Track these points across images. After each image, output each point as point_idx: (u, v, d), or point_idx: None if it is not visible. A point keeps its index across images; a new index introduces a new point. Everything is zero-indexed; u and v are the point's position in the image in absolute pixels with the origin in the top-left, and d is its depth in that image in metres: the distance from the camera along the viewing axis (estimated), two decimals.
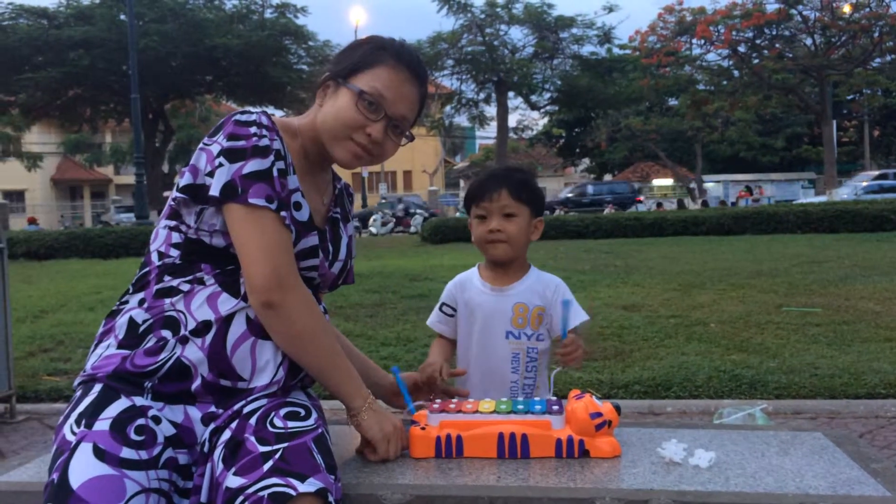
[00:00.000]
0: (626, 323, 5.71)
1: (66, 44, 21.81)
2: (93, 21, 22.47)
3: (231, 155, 1.37)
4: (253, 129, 1.40)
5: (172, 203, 1.45)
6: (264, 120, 1.43)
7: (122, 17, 21.76)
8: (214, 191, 1.36)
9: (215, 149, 1.39)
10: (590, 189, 34.70)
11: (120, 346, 1.39)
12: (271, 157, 1.39)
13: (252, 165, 1.37)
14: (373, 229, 24.84)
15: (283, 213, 1.39)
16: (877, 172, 26.57)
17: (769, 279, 7.93)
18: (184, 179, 1.42)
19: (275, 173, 1.39)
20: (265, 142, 1.40)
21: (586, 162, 47.44)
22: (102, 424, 1.29)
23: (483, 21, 24.73)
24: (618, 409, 1.54)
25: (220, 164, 1.37)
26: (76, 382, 1.42)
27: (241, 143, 1.38)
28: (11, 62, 22.31)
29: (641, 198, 32.27)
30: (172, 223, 1.46)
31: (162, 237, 1.46)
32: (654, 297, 6.96)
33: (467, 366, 1.93)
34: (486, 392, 1.81)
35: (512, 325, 1.89)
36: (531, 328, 1.89)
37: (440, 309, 2.03)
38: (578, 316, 1.92)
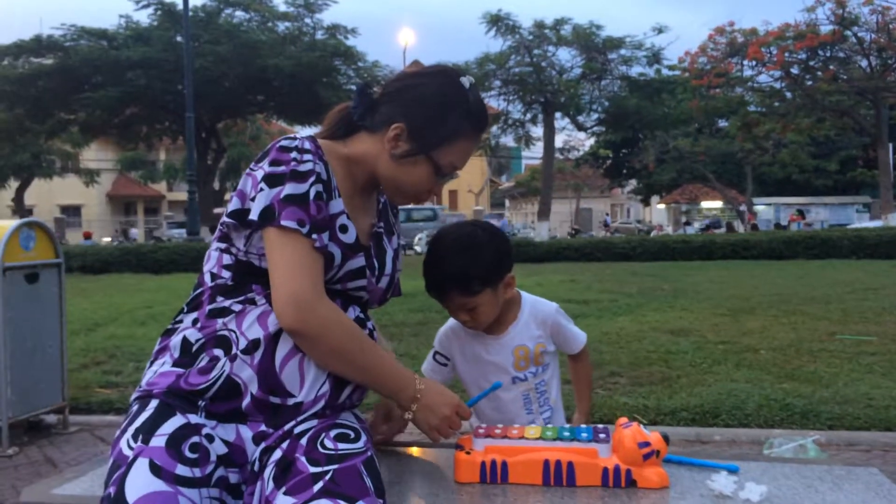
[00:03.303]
0: (673, 348, 5.63)
1: (124, 64, 22.45)
2: (150, 42, 23.13)
3: (271, 180, 1.40)
4: (293, 155, 1.42)
5: (222, 227, 1.49)
6: (307, 145, 1.45)
7: (179, 38, 22.39)
8: (254, 215, 1.39)
9: (259, 174, 1.42)
10: None
11: (175, 365, 1.42)
12: (309, 181, 1.41)
13: (289, 189, 1.39)
14: (417, 248, 24.94)
15: (314, 237, 1.39)
16: None
17: (822, 306, 7.74)
18: (232, 204, 1.45)
19: (311, 197, 1.40)
20: (305, 167, 1.42)
21: (633, 183, 47.04)
22: (159, 440, 1.31)
23: (531, 42, 24.75)
24: (666, 438, 1.52)
25: (262, 189, 1.40)
26: (132, 398, 1.45)
27: (281, 168, 1.41)
28: (72, 82, 23.08)
29: None
30: (223, 245, 1.49)
31: (214, 259, 1.50)
32: (702, 322, 6.85)
33: (480, 413, 1.86)
34: None
35: (514, 369, 1.84)
36: (534, 365, 1.85)
37: (433, 357, 1.95)
38: (577, 338, 1.90)
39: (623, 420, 1.56)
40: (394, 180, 1.55)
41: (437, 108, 1.51)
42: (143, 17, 25.02)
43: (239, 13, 25.20)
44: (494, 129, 27.74)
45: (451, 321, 1.91)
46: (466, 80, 1.55)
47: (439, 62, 1.62)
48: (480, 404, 1.82)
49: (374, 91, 1.58)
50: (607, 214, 51.70)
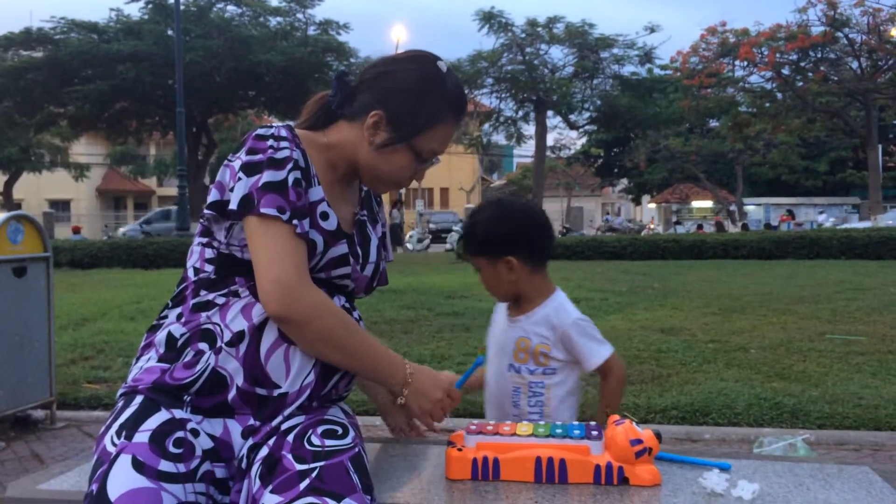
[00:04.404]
0: (663, 346, 5.63)
1: (114, 58, 22.31)
2: (141, 36, 22.99)
3: (249, 169, 1.39)
4: (269, 143, 1.41)
5: (203, 221, 1.48)
6: (283, 132, 1.44)
7: (170, 32, 22.24)
8: (233, 204, 1.38)
9: (237, 164, 1.41)
10: None
11: (160, 360, 1.41)
12: (287, 168, 1.40)
13: (267, 177, 1.38)
14: (409, 245, 24.93)
15: (294, 222, 1.38)
16: None
17: (812, 305, 7.77)
18: (211, 196, 1.44)
19: (290, 183, 1.39)
20: (282, 154, 1.41)
21: (624, 182, 47.13)
22: (142, 436, 1.30)
23: (523, 40, 24.76)
24: (658, 436, 1.52)
25: (240, 178, 1.39)
26: (118, 394, 1.44)
27: (258, 156, 1.40)
28: (62, 75, 22.92)
29: None
30: (205, 240, 1.48)
31: (196, 254, 1.49)
32: (692, 321, 6.86)
33: (487, 389, 1.94)
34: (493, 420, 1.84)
35: (513, 358, 1.86)
36: (533, 363, 1.84)
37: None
38: (591, 355, 1.84)
39: (615, 417, 1.55)
40: (374, 169, 1.53)
41: (414, 94, 1.50)
42: (134, 11, 24.95)
43: (231, 8, 25.08)
44: (486, 126, 27.76)
45: None
46: (443, 65, 1.54)
47: (417, 49, 1.59)
48: (487, 382, 1.89)
49: (351, 79, 1.57)
50: (608, 214, 51.68)
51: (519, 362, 1.84)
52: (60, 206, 42.74)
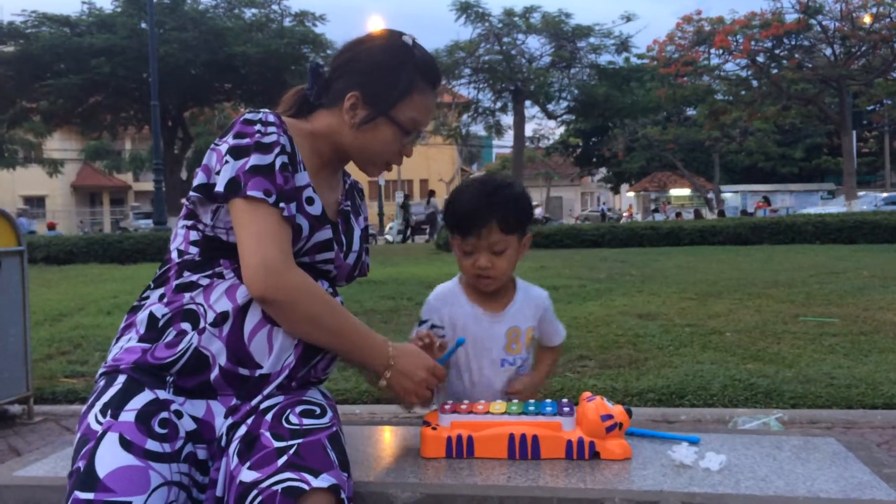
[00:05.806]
0: (640, 331, 5.68)
1: (87, 51, 22.03)
2: (114, 29, 22.71)
3: (236, 152, 1.41)
4: (257, 127, 1.43)
5: (188, 204, 1.48)
6: (270, 118, 1.46)
7: (143, 25, 22.00)
8: (220, 187, 1.40)
9: (224, 148, 1.43)
10: None
11: (141, 340, 1.42)
12: (274, 152, 1.42)
13: (254, 160, 1.40)
14: (388, 237, 24.92)
15: (281, 205, 1.40)
16: None
17: (786, 289, 7.87)
18: (197, 179, 1.46)
19: (277, 167, 1.41)
20: (269, 138, 1.43)
21: (603, 171, 47.31)
22: (128, 415, 1.31)
23: (500, 30, 24.75)
24: (629, 411, 1.55)
25: (227, 162, 1.41)
26: (98, 374, 1.45)
27: (246, 140, 1.42)
28: (34, 69, 22.59)
29: None
30: (190, 222, 1.49)
31: (181, 236, 1.50)
32: (669, 306, 6.92)
33: (461, 393, 1.77)
34: None
35: (506, 351, 1.78)
36: (525, 350, 1.82)
37: (420, 328, 1.78)
38: (560, 330, 1.90)
39: (587, 394, 1.58)
40: (362, 150, 1.56)
41: (385, 69, 1.53)
42: (107, 4, 24.60)
43: None
44: (465, 117, 27.74)
45: (441, 288, 1.82)
46: (409, 38, 1.58)
47: (382, 28, 1.62)
48: (464, 386, 1.78)
49: (325, 70, 1.59)
50: (604, 203, 51.58)
51: (513, 354, 1.78)
52: (35, 203, 42.26)
